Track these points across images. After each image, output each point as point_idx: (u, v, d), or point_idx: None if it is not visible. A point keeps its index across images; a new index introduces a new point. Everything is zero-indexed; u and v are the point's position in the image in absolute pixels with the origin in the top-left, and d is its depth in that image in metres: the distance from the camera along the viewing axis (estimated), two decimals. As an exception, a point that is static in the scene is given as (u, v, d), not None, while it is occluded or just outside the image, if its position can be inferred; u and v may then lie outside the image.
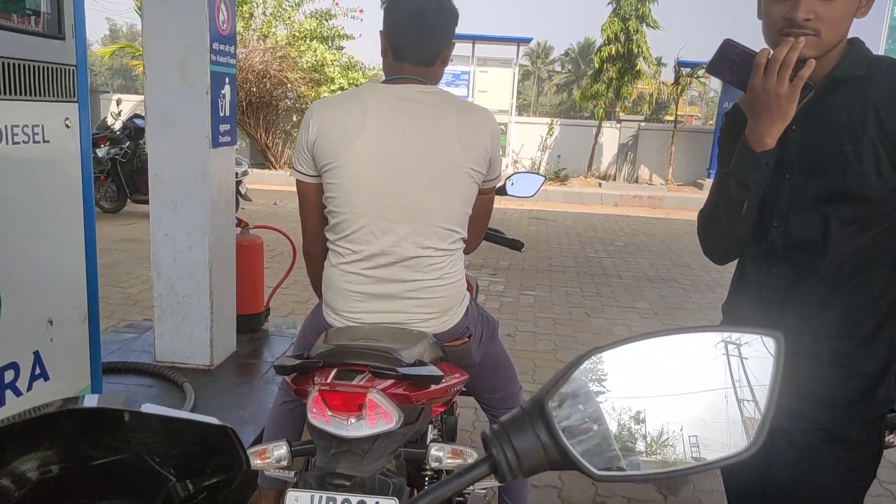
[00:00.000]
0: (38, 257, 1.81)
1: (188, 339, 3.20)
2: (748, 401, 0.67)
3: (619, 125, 13.90)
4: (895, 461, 2.89)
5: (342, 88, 12.41)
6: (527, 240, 7.44)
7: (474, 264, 6.13)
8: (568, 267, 6.61)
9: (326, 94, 12.27)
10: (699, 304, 5.42)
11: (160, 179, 3.06)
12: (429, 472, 1.52)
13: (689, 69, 13.29)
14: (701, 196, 11.61)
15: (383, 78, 1.73)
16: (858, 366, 1.26)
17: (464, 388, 1.72)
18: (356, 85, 12.61)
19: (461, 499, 1.90)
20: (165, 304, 3.18)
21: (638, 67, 12.80)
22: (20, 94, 1.66)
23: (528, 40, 14.75)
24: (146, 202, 3.13)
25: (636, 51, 12.56)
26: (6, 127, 1.63)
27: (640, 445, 0.61)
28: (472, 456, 1.39)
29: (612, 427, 0.60)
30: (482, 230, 1.89)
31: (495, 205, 1.94)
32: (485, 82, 13.20)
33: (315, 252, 1.79)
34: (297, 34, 12.31)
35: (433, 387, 1.42)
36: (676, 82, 13.48)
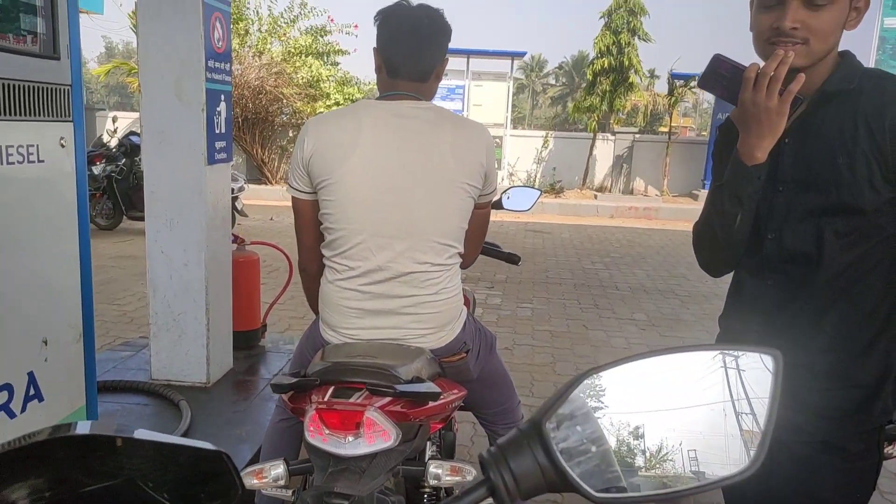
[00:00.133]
0: (32, 277, 1.80)
1: (184, 357, 3.18)
2: (746, 414, 0.67)
3: (613, 137, 13.97)
4: (896, 471, 2.88)
5: (338, 103, 12.47)
6: (523, 252, 7.47)
7: (471, 277, 6.12)
8: (565, 279, 6.60)
9: (322, 110, 12.31)
10: (696, 316, 5.42)
11: (156, 197, 3.06)
12: (427, 490, 1.51)
13: (682, 81, 13.39)
14: (696, 207, 11.65)
15: (378, 94, 1.74)
16: (855, 377, 1.26)
17: (462, 403, 1.72)
18: (352, 100, 12.66)
19: None
20: (161, 322, 3.16)
21: (631, 80, 12.89)
22: (15, 115, 1.66)
23: (522, 54, 14.84)
24: (142, 219, 3.14)
25: (628, 63, 12.66)
26: (2, 147, 1.63)
27: (640, 461, 0.61)
28: (470, 473, 1.38)
29: (612, 442, 0.59)
30: (479, 245, 1.88)
31: (491, 218, 1.94)
32: (480, 96, 13.26)
33: (311, 269, 1.78)
34: (293, 50, 12.37)
35: (431, 403, 1.41)
36: (670, 94, 13.57)
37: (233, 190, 7.00)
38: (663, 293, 6.17)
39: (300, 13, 12.63)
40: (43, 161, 1.74)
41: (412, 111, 1.63)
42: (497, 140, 12.91)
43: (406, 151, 1.59)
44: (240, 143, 12.10)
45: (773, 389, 0.56)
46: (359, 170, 1.57)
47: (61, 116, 1.80)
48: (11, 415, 1.73)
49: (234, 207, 7.61)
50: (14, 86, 1.65)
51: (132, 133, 8.18)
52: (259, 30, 12.52)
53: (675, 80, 13.43)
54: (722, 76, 1.23)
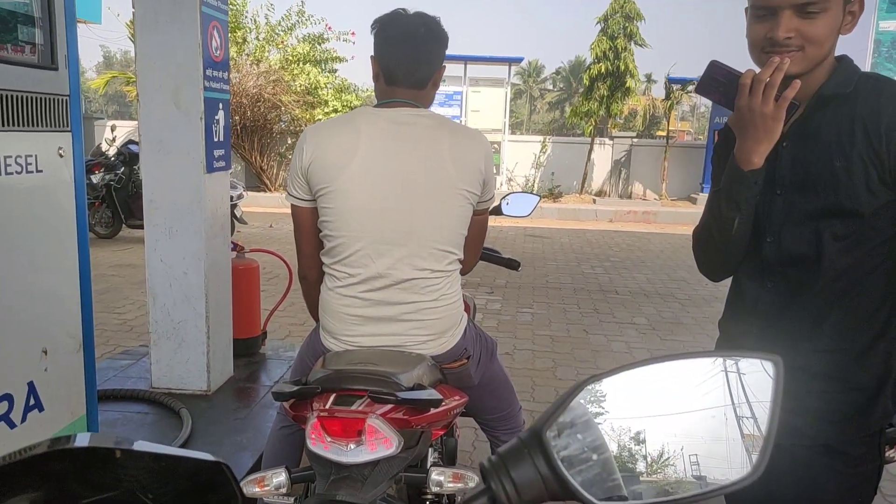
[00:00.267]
0: (32, 287, 1.80)
1: (185, 365, 3.17)
2: (747, 418, 0.67)
3: (611, 142, 13.99)
4: (898, 473, 2.87)
5: (336, 110, 12.49)
6: (523, 257, 7.47)
7: (471, 283, 6.12)
8: (565, 284, 6.60)
9: (320, 116, 12.34)
10: (696, 319, 5.42)
11: (155, 205, 3.06)
12: (430, 497, 1.51)
13: (679, 85, 13.42)
14: (695, 210, 11.66)
15: (375, 101, 1.74)
16: (854, 380, 1.25)
17: (463, 410, 1.71)
18: (350, 107, 12.69)
19: None
20: (161, 330, 3.16)
21: (628, 84, 12.92)
22: (14, 125, 1.66)
23: (519, 60, 14.88)
24: (141, 227, 3.14)
25: (625, 68, 12.69)
26: (0, 158, 1.63)
27: (641, 466, 0.60)
28: (472, 480, 1.38)
29: (613, 448, 0.59)
30: (478, 251, 1.89)
31: (491, 223, 1.94)
32: (477, 102, 13.29)
33: (311, 276, 1.78)
34: (291, 58, 12.41)
35: (433, 410, 1.41)
36: (667, 98, 13.60)
37: (232, 197, 6.99)
38: (663, 297, 6.17)
39: (298, 21, 12.67)
40: (41, 171, 1.74)
41: (410, 118, 1.63)
42: (495, 146, 12.93)
43: (405, 158, 1.60)
44: (238, 151, 12.11)
45: (774, 395, 0.56)
46: (358, 177, 1.58)
47: (59, 126, 1.80)
48: (12, 425, 1.73)
49: (233, 215, 7.62)
50: (12, 96, 1.65)
51: (131, 142, 8.19)
52: (257, 38, 12.56)
53: (672, 85, 13.46)
54: (719, 82, 1.23)
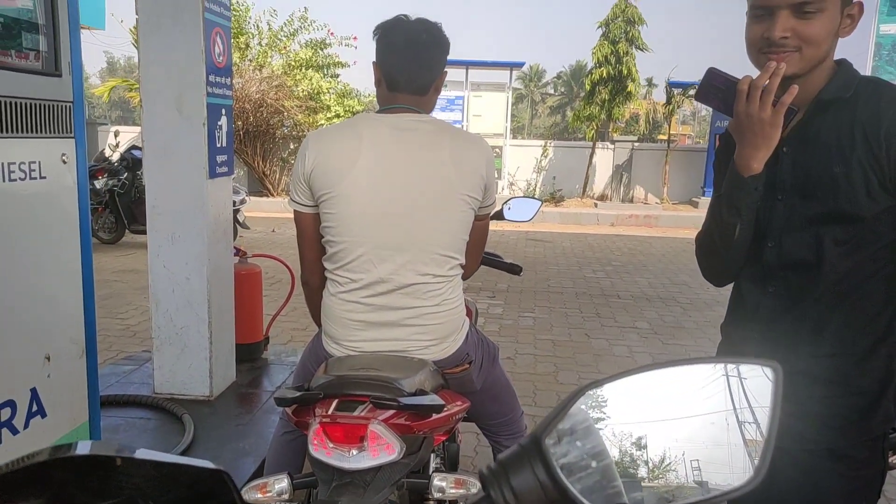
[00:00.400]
0: (35, 293, 1.80)
1: (187, 370, 3.18)
2: (750, 423, 0.67)
3: (612, 146, 14.00)
4: (903, 478, 2.86)
5: (338, 115, 12.51)
6: (525, 261, 7.46)
7: (473, 287, 6.12)
8: (566, 288, 6.60)
9: (323, 121, 12.36)
10: (698, 323, 5.41)
11: (158, 211, 3.07)
12: (432, 503, 1.51)
13: (680, 89, 13.42)
14: (696, 214, 11.65)
15: (377, 106, 1.75)
16: (856, 384, 1.25)
17: (465, 415, 1.71)
18: (352, 112, 12.71)
19: None
20: (164, 336, 3.17)
21: (629, 89, 12.93)
22: (18, 132, 1.67)
23: (520, 65, 14.90)
24: (144, 233, 3.15)
25: (626, 73, 12.70)
26: (4, 164, 1.64)
27: (643, 471, 0.60)
28: (474, 485, 1.38)
29: (614, 453, 0.59)
30: (479, 256, 1.89)
31: (493, 227, 1.95)
32: (479, 107, 13.30)
33: (313, 282, 1.79)
34: (293, 63, 12.44)
35: (435, 416, 1.41)
36: (668, 102, 13.61)
37: (234, 203, 7.01)
38: (665, 301, 6.16)
39: (300, 27, 12.71)
40: (45, 177, 1.75)
41: (412, 124, 1.64)
42: (497, 150, 12.94)
43: (406, 164, 1.60)
44: (241, 156, 12.14)
45: (774, 402, 0.56)
46: (360, 183, 1.58)
47: (63, 133, 1.81)
48: (14, 431, 1.73)
49: (235, 220, 7.63)
50: (16, 103, 1.66)
51: (134, 147, 8.22)
52: (260, 43, 12.60)
53: (673, 89, 13.47)
54: (717, 89, 1.24)
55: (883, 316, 1.25)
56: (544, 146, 13.80)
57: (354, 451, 1.28)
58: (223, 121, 3.13)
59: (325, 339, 1.71)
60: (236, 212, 7.60)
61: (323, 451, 1.30)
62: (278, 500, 1.37)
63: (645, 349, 4.72)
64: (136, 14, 2.94)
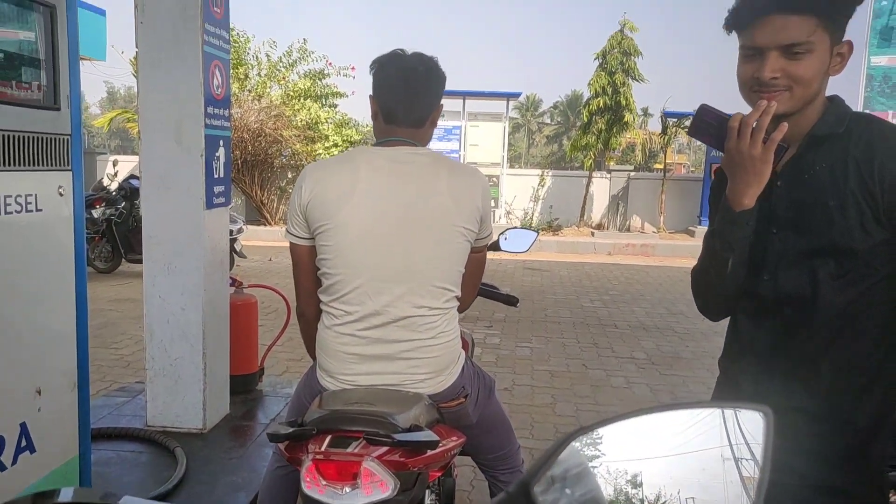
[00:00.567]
0: (27, 325, 1.79)
1: (181, 403, 3.14)
2: (747, 459, 0.66)
3: (609, 175, 14.10)
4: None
5: (336, 145, 12.61)
6: (522, 291, 7.45)
7: (470, 316, 6.10)
8: (564, 318, 6.58)
9: (321, 151, 12.44)
10: (696, 354, 5.39)
11: (154, 241, 3.06)
12: (426, 541, 1.48)
13: (675, 119, 13.58)
14: (693, 243, 11.69)
15: (374, 139, 1.76)
16: (852, 421, 1.24)
17: (461, 449, 1.69)
18: (350, 141, 12.81)
19: None
20: (158, 367, 3.14)
21: (626, 119, 13.07)
22: (15, 165, 1.68)
23: (516, 95, 15.08)
24: (141, 262, 3.14)
25: (623, 103, 12.85)
26: (0, 197, 1.64)
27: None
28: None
29: (609, 491, 0.58)
30: (475, 288, 1.88)
31: (490, 256, 1.95)
32: (476, 136, 13.43)
33: (309, 314, 1.78)
34: (292, 93, 12.57)
35: (430, 452, 1.39)
36: (663, 132, 13.75)
37: (231, 232, 7.01)
38: (662, 331, 6.14)
39: (299, 57, 12.87)
40: (41, 210, 1.75)
41: (409, 156, 1.65)
42: (494, 179, 13.02)
43: (403, 196, 1.61)
44: (239, 185, 12.19)
45: (765, 446, 0.56)
46: (356, 215, 1.58)
47: (60, 165, 1.81)
48: (2, 468, 1.70)
49: (232, 249, 7.63)
50: (14, 137, 1.67)
51: (132, 177, 8.25)
52: (259, 74, 12.74)
53: (668, 119, 13.62)
54: (709, 125, 1.25)
55: (878, 352, 1.25)
56: (541, 175, 13.89)
57: (347, 489, 1.27)
58: (221, 152, 3.15)
59: (319, 372, 1.70)
60: (233, 241, 7.61)
61: (316, 488, 1.28)
62: (271, 538, 1.34)
63: (642, 380, 4.69)
64: (136, 47, 2.98)
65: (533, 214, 13.59)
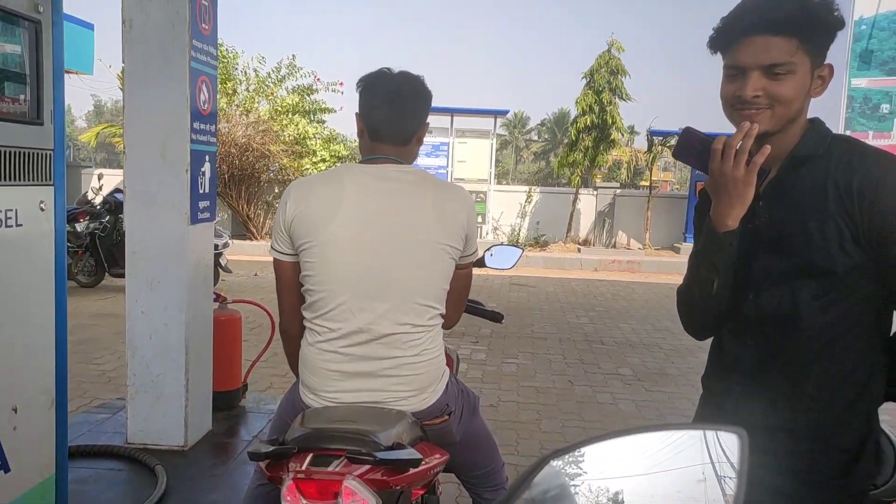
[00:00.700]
0: (5, 342, 1.76)
1: (162, 419, 3.10)
2: (730, 478, 0.66)
3: (595, 192, 14.20)
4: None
5: (324, 160, 12.60)
6: (508, 306, 7.46)
7: (456, 332, 6.09)
8: (550, 334, 6.58)
9: (308, 166, 12.43)
10: (681, 370, 5.40)
11: (138, 256, 3.04)
12: (408, 561, 1.46)
13: (661, 137, 13.73)
14: (678, 260, 11.77)
15: (360, 157, 1.76)
16: (836, 440, 1.25)
17: (445, 466, 1.68)
18: (338, 157, 12.81)
19: None
20: (139, 384, 3.10)
21: (612, 137, 13.20)
22: (-4, 180, 1.66)
23: (504, 112, 15.19)
24: (124, 276, 3.11)
25: (610, 121, 12.99)
26: (-20, 212, 1.63)
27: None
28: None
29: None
30: (461, 305, 1.88)
31: (477, 272, 1.95)
32: (464, 153, 13.50)
33: (292, 330, 1.77)
34: (280, 109, 12.58)
35: (412, 470, 1.38)
36: (649, 150, 13.90)
37: (217, 246, 6.98)
38: (648, 347, 6.16)
39: (288, 73, 12.90)
40: (21, 225, 1.73)
41: (394, 174, 1.65)
42: (481, 195, 13.07)
43: (388, 214, 1.61)
44: (225, 199, 12.14)
45: (740, 468, 0.56)
46: (341, 232, 1.58)
47: (42, 181, 1.80)
48: (-25, 487, 1.67)
49: (217, 264, 7.58)
50: (-3, 151, 1.66)
51: (117, 190, 8.19)
52: (247, 89, 12.75)
53: (654, 137, 13.78)
54: (693, 147, 1.27)
55: (860, 371, 1.26)
56: (529, 192, 13.97)
57: (329, 508, 1.25)
58: (206, 167, 3.14)
59: (302, 389, 1.68)
60: (218, 255, 7.56)
61: (297, 507, 1.26)
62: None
63: (628, 396, 4.70)
64: (123, 62, 2.98)
65: (520, 230, 13.64)
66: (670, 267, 11.32)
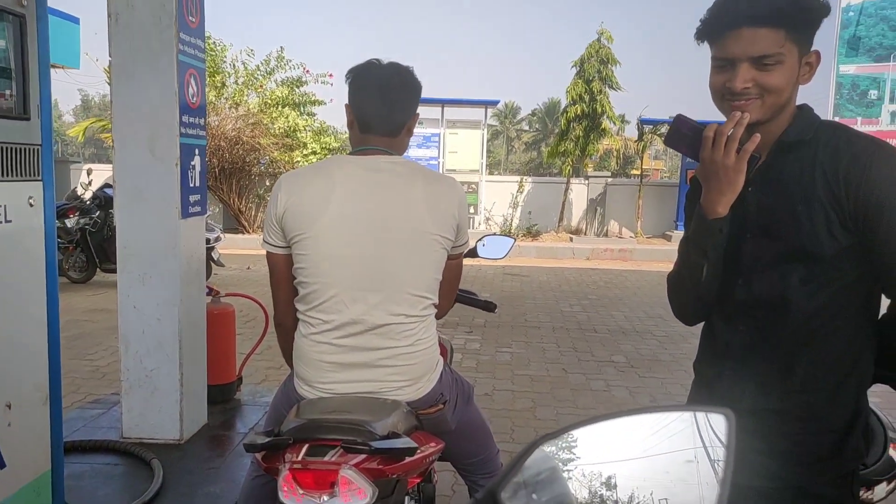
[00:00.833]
0: (-2, 338, 1.76)
1: (157, 414, 3.10)
2: (719, 459, 0.67)
3: (587, 181, 14.22)
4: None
5: (315, 153, 12.55)
6: (502, 296, 7.48)
7: (450, 322, 6.10)
8: (543, 322, 6.61)
9: (299, 159, 12.39)
10: (674, 356, 5.44)
11: (129, 252, 3.03)
12: (405, 548, 1.48)
13: (651, 126, 13.75)
14: (670, 248, 11.82)
15: (350, 148, 1.76)
16: (826, 421, 1.27)
17: (440, 455, 1.69)
18: (328, 149, 12.76)
19: None
20: (133, 379, 3.10)
21: (603, 126, 13.21)
22: (-17, 175, 1.65)
23: (495, 103, 15.15)
24: (116, 271, 3.10)
25: (600, 110, 12.99)
26: (-32, 208, 1.62)
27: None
28: (448, 530, 1.35)
29: (583, 494, 0.59)
30: (452, 295, 1.89)
31: (470, 262, 1.95)
32: (455, 143, 13.46)
33: (286, 323, 1.77)
34: (269, 101, 12.50)
35: (408, 459, 1.39)
36: (640, 139, 13.92)
37: (209, 240, 6.95)
38: (641, 334, 6.20)
39: (276, 66, 12.82)
40: (10, 221, 1.73)
41: (385, 165, 1.65)
42: (473, 186, 13.06)
43: (379, 205, 1.61)
44: (216, 193, 12.08)
45: (727, 447, 0.57)
46: (332, 224, 1.59)
47: (30, 176, 1.79)
48: (-29, 484, 1.67)
49: (210, 258, 7.55)
50: (-17, 146, 1.65)
51: (107, 185, 8.12)
52: (236, 82, 12.66)
53: (644, 126, 13.80)
54: (684, 135, 1.28)
55: (850, 352, 1.27)
56: (520, 182, 13.97)
57: (325, 498, 1.26)
58: (196, 161, 3.13)
59: (297, 381, 1.69)
60: (211, 249, 7.53)
61: (293, 497, 1.27)
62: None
63: (622, 383, 4.73)
64: (110, 56, 2.95)
65: (512, 220, 13.65)
66: (662, 255, 11.37)
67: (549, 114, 49.59)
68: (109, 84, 3.06)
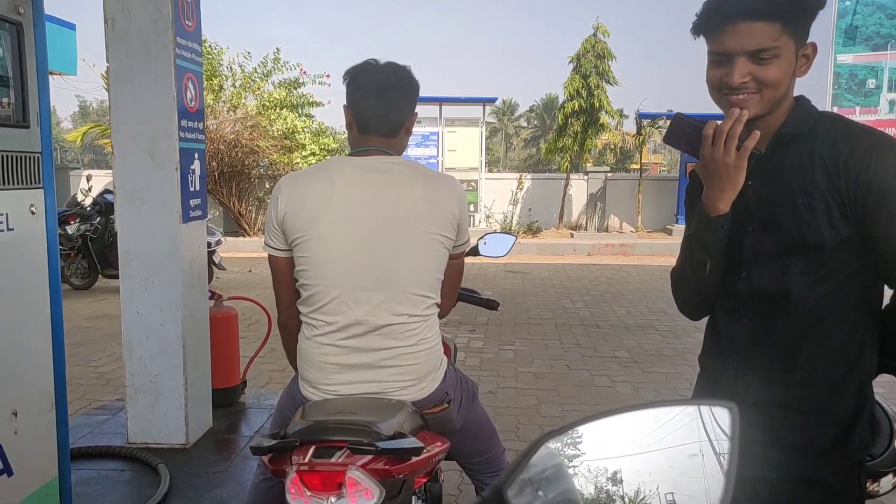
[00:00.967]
0: (2, 346, 1.76)
1: (162, 419, 3.11)
2: (724, 452, 0.67)
3: (586, 176, 14.22)
4: None
5: (314, 154, 12.55)
6: (504, 294, 7.48)
7: (453, 321, 6.10)
8: (546, 319, 6.61)
9: (298, 160, 12.38)
10: (678, 350, 5.44)
11: (131, 257, 3.03)
12: (414, 547, 1.48)
13: (649, 120, 13.73)
14: (671, 241, 11.82)
15: (349, 149, 1.76)
16: (830, 412, 1.27)
17: (446, 454, 1.70)
18: (327, 150, 12.75)
19: None
20: (138, 384, 3.10)
21: (602, 121, 13.20)
22: (-16, 184, 1.66)
23: (493, 100, 15.14)
24: (118, 277, 3.11)
25: (598, 105, 12.98)
26: (-30, 217, 1.62)
27: (618, 505, 0.60)
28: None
29: (589, 490, 0.59)
30: (454, 294, 1.90)
31: (471, 260, 1.95)
32: (454, 142, 13.46)
33: (291, 325, 1.77)
34: (267, 104, 12.50)
35: (414, 458, 1.40)
36: (638, 133, 13.91)
37: (210, 244, 6.95)
38: (644, 329, 6.20)
39: (273, 68, 12.81)
40: (12, 229, 1.73)
41: (384, 166, 1.65)
42: (472, 183, 13.06)
43: (379, 205, 1.61)
44: (217, 197, 12.08)
45: (732, 440, 0.57)
46: (333, 226, 1.59)
47: (31, 184, 1.79)
48: (-21, 492, 1.67)
49: (211, 261, 7.56)
50: (-17, 155, 1.65)
51: (107, 191, 8.13)
52: (233, 85, 12.66)
53: (642, 120, 13.78)
54: (684, 133, 1.29)
55: (853, 343, 1.27)
56: (519, 178, 13.96)
57: (333, 499, 1.27)
58: (196, 164, 3.13)
59: (301, 383, 1.69)
60: (212, 253, 7.54)
61: (301, 499, 1.27)
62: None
63: (626, 378, 4.73)
64: (108, 61, 2.95)
65: (512, 217, 13.65)
66: (663, 249, 11.36)
67: (547, 110, 49.55)
68: (107, 90, 3.06)
